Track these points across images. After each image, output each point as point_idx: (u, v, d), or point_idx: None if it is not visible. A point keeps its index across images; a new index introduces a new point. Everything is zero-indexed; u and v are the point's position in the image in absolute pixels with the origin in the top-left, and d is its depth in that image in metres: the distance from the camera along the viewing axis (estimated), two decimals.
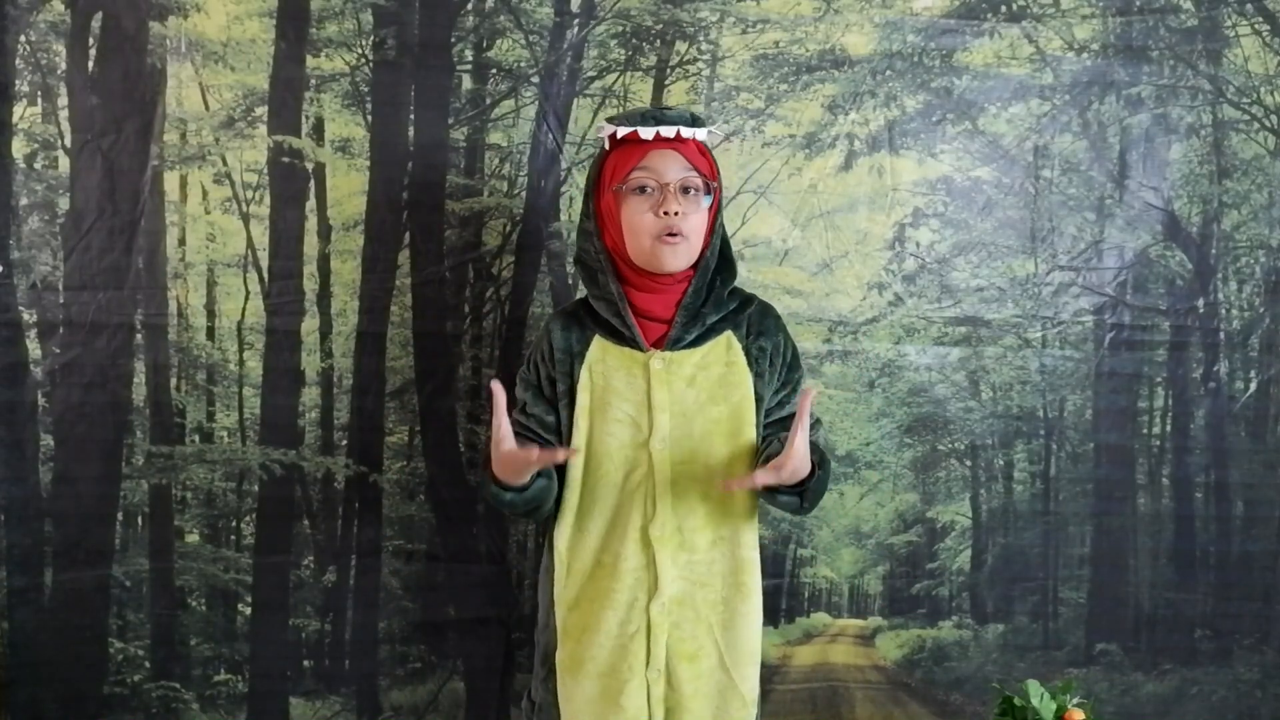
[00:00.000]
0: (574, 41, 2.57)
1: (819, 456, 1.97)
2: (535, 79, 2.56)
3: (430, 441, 2.58)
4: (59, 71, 2.48)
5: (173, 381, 2.54)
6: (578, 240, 2.09)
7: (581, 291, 2.14)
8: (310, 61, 2.53)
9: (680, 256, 2.01)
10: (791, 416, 1.95)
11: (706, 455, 2.00)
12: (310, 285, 2.55)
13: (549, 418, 2.05)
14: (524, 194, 2.57)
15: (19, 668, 2.52)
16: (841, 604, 2.70)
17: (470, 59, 2.56)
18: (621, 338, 2.03)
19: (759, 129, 2.59)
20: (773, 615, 2.65)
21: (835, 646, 2.70)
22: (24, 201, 2.49)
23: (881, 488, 2.68)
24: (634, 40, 2.57)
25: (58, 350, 2.50)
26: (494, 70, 2.57)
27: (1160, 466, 2.69)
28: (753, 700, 2.05)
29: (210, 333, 2.54)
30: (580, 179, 2.48)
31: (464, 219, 2.57)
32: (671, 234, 1.98)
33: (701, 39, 2.58)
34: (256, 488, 2.56)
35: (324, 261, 2.55)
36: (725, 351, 2.04)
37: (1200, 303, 2.66)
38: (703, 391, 2.02)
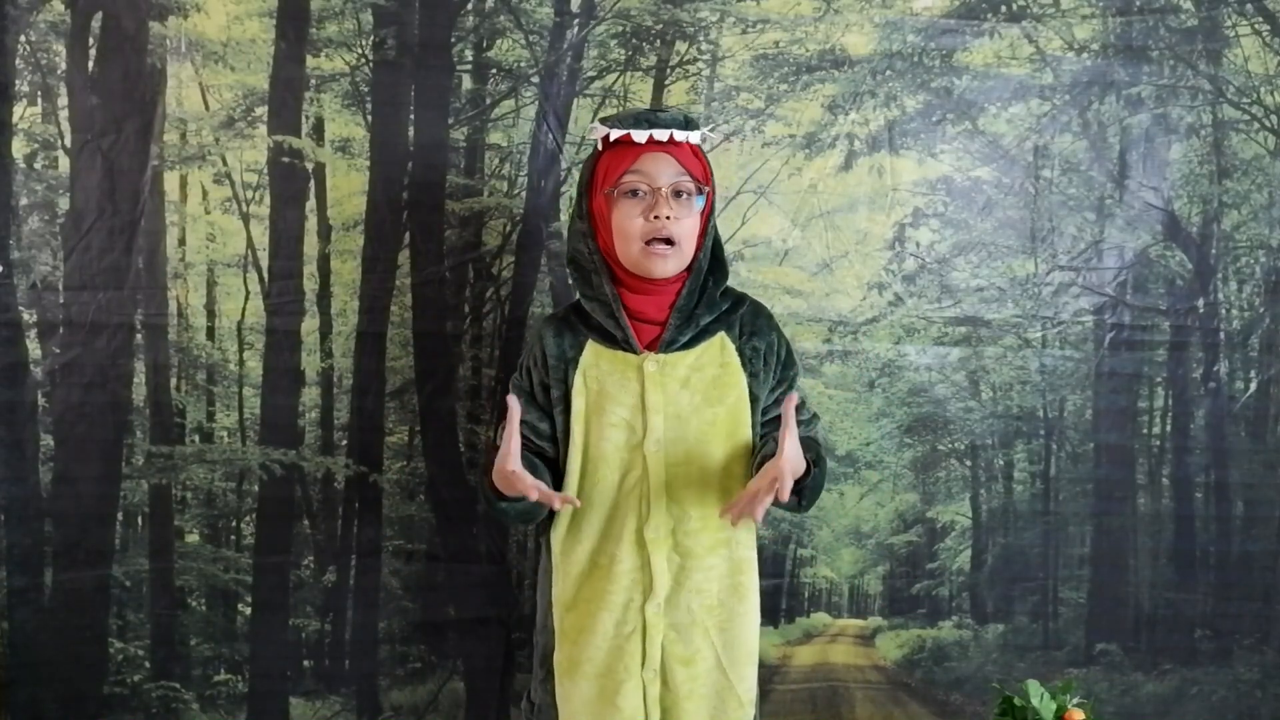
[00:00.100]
0: (574, 41, 2.57)
1: (815, 454, 1.97)
2: (535, 79, 2.56)
3: (430, 441, 2.58)
4: (59, 71, 2.48)
5: (173, 381, 2.54)
6: (570, 241, 2.09)
7: None
8: (310, 61, 2.52)
9: (669, 263, 2.00)
10: None
11: (702, 457, 2.00)
12: (310, 285, 2.55)
13: (543, 424, 2.05)
14: (524, 194, 2.57)
15: (19, 668, 2.52)
16: (841, 604, 2.70)
17: (470, 59, 2.56)
18: (614, 341, 2.03)
19: (759, 129, 2.59)
20: (773, 615, 2.65)
21: (835, 646, 2.70)
22: (24, 201, 2.49)
23: (881, 488, 2.68)
24: (634, 40, 2.57)
25: (58, 350, 2.50)
26: (494, 70, 2.57)
27: (1160, 466, 2.69)
28: (750, 700, 2.05)
29: (210, 333, 2.54)
30: None
31: (464, 219, 2.57)
32: (662, 241, 1.98)
33: (701, 39, 2.58)
34: (256, 488, 2.56)
35: (324, 261, 2.55)
36: (719, 352, 2.04)
37: (1200, 303, 2.66)
38: (697, 393, 2.01)
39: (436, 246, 2.57)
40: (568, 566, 2.03)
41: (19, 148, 2.49)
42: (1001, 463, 2.69)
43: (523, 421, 2.01)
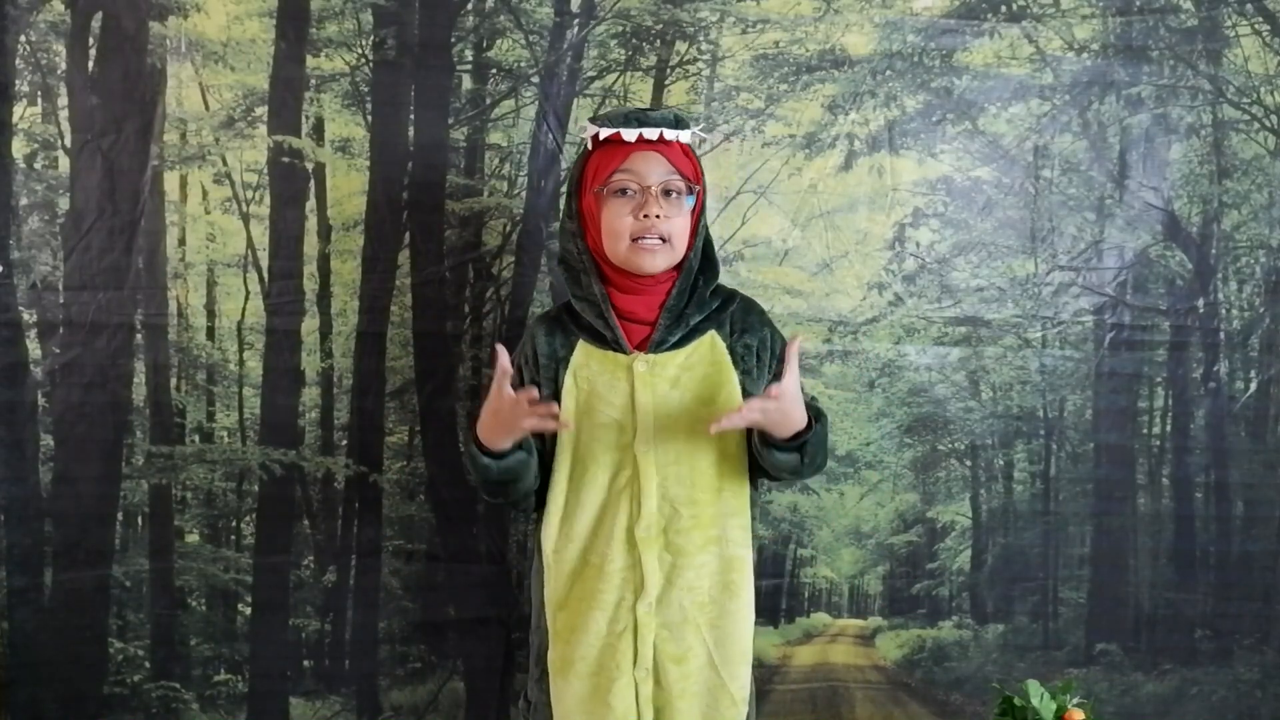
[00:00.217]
0: (574, 41, 2.57)
1: (815, 412, 1.96)
2: (535, 79, 2.56)
3: (430, 441, 2.58)
4: (59, 71, 2.48)
5: (173, 381, 2.54)
6: (560, 240, 2.08)
7: None
8: (310, 61, 2.53)
9: (659, 258, 1.99)
10: None
11: (692, 455, 2.00)
12: (310, 285, 2.55)
13: None
14: (524, 194, 2.57)
15: (19, 668, 2.52)
16: (841, 604, 2.70)
17: (470, 59, 2.56)
18: (604, 341, 2.02)
19: (759, 129, 2.59)
20: (773, 615, 2.65)
21: (835, 646, 2.70)
22: (24, 201, 2.49)
23: (881, 488, 2.68)
24: (634, 40, 2.57)
25: (58, 350, 2.50)
26: (494, 70, 2.57)
27: (1160, 466, 2.69)
28: (743, 699, 2.04)
29: (210, 333, 2.54)
30: None
31: (464, 219, 2.57)
32: (652, 237, 1.97)
33: (701, 39, 2.58)
34: (256, 488, 2.56)
35: (324, 261, 2.55)
36: (709, 351, 2.03)
37: (1200, 303, 2.66)
38: (687, 392, 2.01)
39: (436, 246, 2.57)
40: (559, 566, 2.03)
41: (19, 148, 2.49)
42: (1001, 463, 2.69)
43: None
